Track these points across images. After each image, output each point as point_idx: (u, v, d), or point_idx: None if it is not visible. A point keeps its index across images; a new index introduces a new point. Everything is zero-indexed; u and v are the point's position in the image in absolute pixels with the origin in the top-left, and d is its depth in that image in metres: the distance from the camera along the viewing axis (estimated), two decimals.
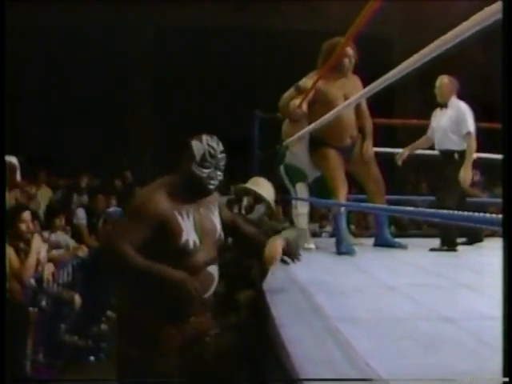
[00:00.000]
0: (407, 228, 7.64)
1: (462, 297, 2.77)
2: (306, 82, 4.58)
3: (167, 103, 11.76)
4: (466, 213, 1.42)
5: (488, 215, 1.31)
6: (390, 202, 4.63)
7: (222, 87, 11.35)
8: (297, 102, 4.40)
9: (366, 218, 7.43)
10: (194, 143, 2.33)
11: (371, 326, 2.18)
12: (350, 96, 4.34)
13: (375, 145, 4.74)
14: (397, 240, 4.76)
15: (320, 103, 4.40)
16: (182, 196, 2.29)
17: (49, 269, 4.67)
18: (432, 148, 4.95)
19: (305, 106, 4.33)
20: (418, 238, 5.60)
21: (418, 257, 4.28)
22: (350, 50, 4.45)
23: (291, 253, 2.70)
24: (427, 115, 5.04)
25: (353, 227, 6.83)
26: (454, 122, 4.64)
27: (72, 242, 5.79)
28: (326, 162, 4.58)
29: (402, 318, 2.32)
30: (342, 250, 4.25)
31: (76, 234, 6.29)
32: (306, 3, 11.20)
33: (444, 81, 4.76)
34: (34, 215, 5.02)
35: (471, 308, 2.50)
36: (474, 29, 1.42)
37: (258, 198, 3.60)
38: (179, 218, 2.24)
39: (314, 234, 6.29)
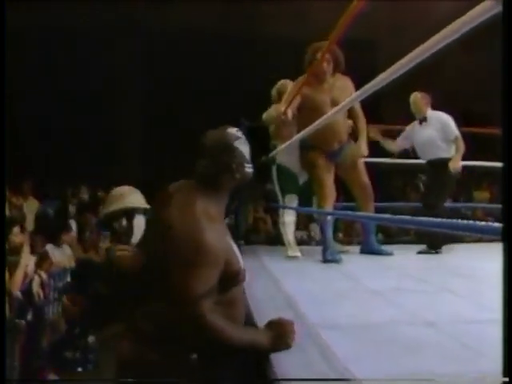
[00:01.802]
0: (395, 235, 7.67)
1: (446, 301, 2.80)
2: (283, 84, 4.65)
3: (153, 112, 11.80)
4: (463, 221, 1.42)
5: (483, 223, 1.31)
6: (377, 209, 4.67)
7: (208, 94, 11.35)
8: (282, 108, 4.42)
9: (354, 225, 7.46)
10: (238, 143, 1.98)
11: (354, 331, 2.19)
12: (337, 99, 4.35)
13: None
14: (383, 247, 4.78)
15: (308, 109, 4.42)
16: (219, 215, 1.92)
17: (37, 282, 4.67)
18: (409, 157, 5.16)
19: (290, 113, 4.34)
20: (407, 245, 5.64)
21: (403, 262, 4.30)
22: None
23: None
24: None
25: (341, 234, 6.86)
26: (439, 131, 4.88)
27: (70, 254, 5.78)
28: (314, 169, 4.59)
29: (386, 322, 2.33)
30: (327, 257, 4.25)
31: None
32: (292, 10, 11.29)
33: (417, 97, 5.06)
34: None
35: (454, 312, 2.52)
36: (464, 28, 1.42)
37: (129, 214, 2.71)
38: (233, 246, 1.94)
39: (302, 242, 6.32)
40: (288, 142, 4.29)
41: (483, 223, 1.32)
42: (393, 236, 7.49)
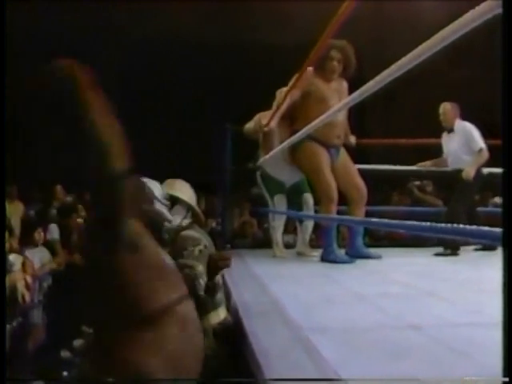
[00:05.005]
0: (381, 238, 7.67)
1: (431, 305, 2.81)
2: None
3: (138, 117, 11.70)
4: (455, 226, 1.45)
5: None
6: (367, 213, 4.69)
7: (193, 100, 11.30)
8: (264, 120, 4.45)
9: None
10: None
11: (341, 335, 2.20)
12: (342, 99, 4.28)
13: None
14: (371, 250, 4.76)
15: (313, 99, 4.41)
16: None
17: (22, 286, 4.64)
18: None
19: (273, 124, 4.37)
20: (394, 248, 5.68)
21: (390, 266, 4.32)
22: (337, 54, 4.50)
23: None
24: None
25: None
26: (463, 144, 5.01)
27: (49, 256, 5.74)
28: (313, 158, 4.46)
29: (371, 327, 2.34)
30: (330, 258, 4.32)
31: (49, 250, 6.24)
32: (277, 17, 11.31)
33: (447, 107, 5.16)
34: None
35: (439, 316, 2.53)
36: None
37: (174, 201, 2.83)
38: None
39: (289, 246, 6.32)
40: (284, 143, 4.13)
41: (471, 227, 1.33)
42: (379, 239, 7.48)
